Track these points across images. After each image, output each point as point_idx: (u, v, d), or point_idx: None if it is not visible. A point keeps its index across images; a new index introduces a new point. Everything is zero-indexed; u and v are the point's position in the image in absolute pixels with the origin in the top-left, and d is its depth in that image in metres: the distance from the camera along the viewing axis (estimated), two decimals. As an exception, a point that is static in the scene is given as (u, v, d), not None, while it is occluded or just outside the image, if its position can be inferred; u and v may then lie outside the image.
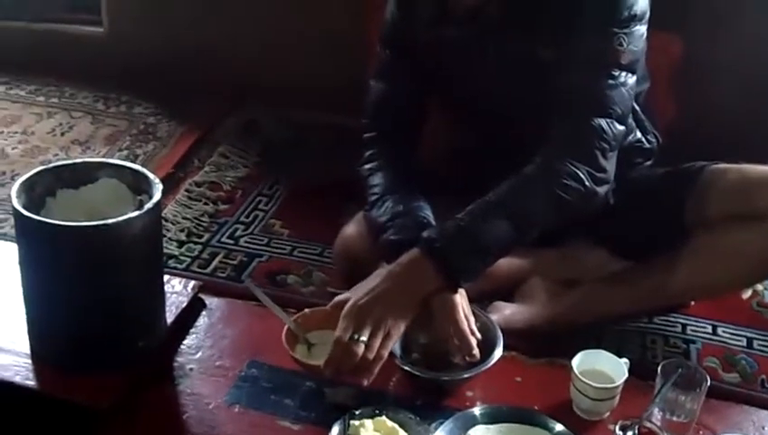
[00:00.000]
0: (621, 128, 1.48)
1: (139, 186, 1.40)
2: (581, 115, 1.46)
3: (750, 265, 1.58)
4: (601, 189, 1.46)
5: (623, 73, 1.46)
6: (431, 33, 1.56)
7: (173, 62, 2.64)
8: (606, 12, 1.44)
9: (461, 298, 1.39)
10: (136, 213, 1.30)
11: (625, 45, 1.45)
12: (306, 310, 1.45)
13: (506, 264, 1.73)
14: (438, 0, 1.54)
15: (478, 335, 1.40)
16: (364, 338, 1.30)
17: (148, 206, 1.32)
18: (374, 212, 1.49)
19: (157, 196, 1.34)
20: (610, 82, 1.45)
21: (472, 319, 1.41)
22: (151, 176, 1.39)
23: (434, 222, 1.46)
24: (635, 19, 1.45)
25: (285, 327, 1.40)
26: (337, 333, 1.31)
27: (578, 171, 1.42)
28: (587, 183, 1.43)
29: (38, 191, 1.37)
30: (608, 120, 1.45)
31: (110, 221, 1.28)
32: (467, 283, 1.40)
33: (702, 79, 2.15)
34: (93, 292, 1.33)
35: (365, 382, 1.31)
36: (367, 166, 1.59)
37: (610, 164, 1.47)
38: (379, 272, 1.39)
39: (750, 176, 1.58)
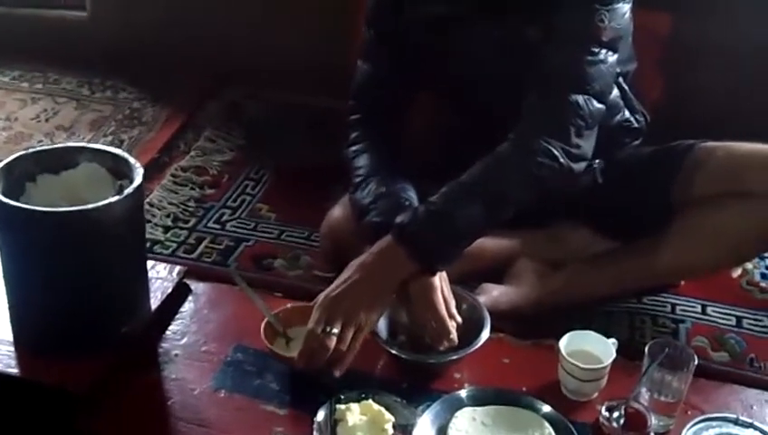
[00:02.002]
0: (599, 105, 1.46)
1: (120, 170, 1.38)
2: (558, 91, 1.44)
3: (737, 244, 1.58)
4: (577, 166, 1.44)
5: (603, 51, 1.45)
6: (417, 11, 1.54)
7: (157, 46, 2.62)
8: None
9: (440, 281, 1.38)
10: (116, 198, 1.29)
11: (606, 22, 1.43)
12: (288, 305, 1.45)
13: (494, 245, 1.73)
14: None
15: (458, 319, 1.39)
16: (336, 330, 1.29)
17: (129, 190, 1.30)
18: (357, 194, 1.48)
19: (137, 180, 1.32)
20: (590, 58, 1.44)
21: (452, 302, 1.39)
22: (132, 160, 1.37)
23: (416, 204, 1.44)
24: None
25: (264, 320, 1.39)
26: (309, 325, 1.31)
27: (551, 148, 1.40)
28: (561, 160, 1.41)
29: (17, 176, 1.35)
30: (585, 97, 1.43)
31: (89, 206, 1.26)
32: (443, 267, 1.38)
33: (690, 58, 2.14)
34: (74, 277, 1.32)
35: (337, 374, 1.30)
36: (352, 148, 1.57)
37: (586, 141, 1.45)
38: (353, 262, 1.38)
39: (737, 154, 1.57)
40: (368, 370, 1.39)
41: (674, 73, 2.10)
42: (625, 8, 1.47)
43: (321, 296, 1.34)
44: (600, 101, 1.46)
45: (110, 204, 1.28)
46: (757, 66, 2.17)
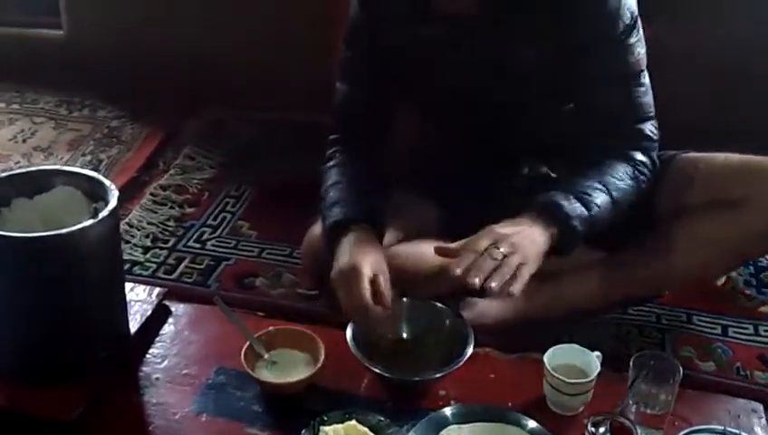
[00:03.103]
0: (656, 126, 1.53)
1: (96, 193, 1.36)
2: (627, 126, 1.51)
3: (722, 254, 1.58)
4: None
5: (644, 76, 1.50)
6: (407, 32, 1.53)
7: (136, 64, 2.60)
8: (614, 24, 1.44)
9: (370, 269, 1.36)
10: (90, 221, 1.27)
11: (640, 51, 1.48)
12: (271, 327, 1.43)
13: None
14: None
15: (391, 309, 1.38)
16: (503, 250, 1.28)
17: (104, 213, 1.28)
18: (321, 205, 1.50)
19: (112, 202, 1.30)
20: (642, 89, 1.51)
21: (388, 294, 1.37)
22: (107, 182, 1.35)
23: (379, 207, 1.47)
24: (637, 22, 1.47)
25: (246, 344, 1.37)
26: (473, 245, 1.29)
27: (645, 160, 1.50)
28: (649, 171, 1.51)
29: (-8, 201, 1.33)
30: (650, 124, 1.52)
31: (63, 231, 1.24)
32: (569, 241, 1.40)
33: (666, 68, 2.13)
34: (51, 303, 1.30)
35: (513, 292, 1.28)
36: (326, 165, 1.58)
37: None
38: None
39: (718, 165, 1.58)
40: (351, 390, 1.37)
41: (652, 83, 2.10)
42: (640, 28, 1.49)
43: (486, 229, 1.33)
44: (656, 121, 1.53)
45: (84, 228, 1.26)
46: (736, 73, 2.18)
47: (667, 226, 1.59)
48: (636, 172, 1.49)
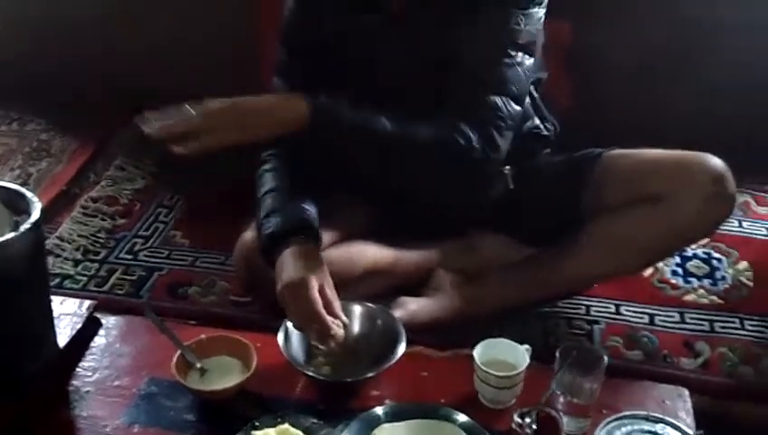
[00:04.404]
0: (517, 108, 1.48)
1: (17, 206, 1.34)
2: (477, 91, 1.46)
3: (647, 249, 1.62)
4: (494, 155, 1.46)
5: (520, 54, 1.47)
6: (344, 26, 1.54)
7: (65, 76, 2.56)
8: None
9: (315, 281, 1.36)
10: (11, 235, 1.24)
11: (522, 25, 1.46)
12: (202, 336, 1.42)
13: (410, 258, 1.73)
14: None
15: (344, 319, 1.37)
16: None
17: (25, 226, 1.26)
18: (256, 212, 1.49)
19: (35, 215, 1.28)
20: (507, 60, 1.46)
21: (336, 303, 1.38)
22: (29, 195, 1.33)
23: (315, 215, 1.46)
24: (534, 2, 1.47)
25: (177, 353, 1.37)
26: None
27: (469, 132, 1.43)
28: (475, 144, 1.43)
29: None
30: (503, 98, 1.46)
31: (-19, 245, 1.22)
32: (320, 128, 1.39)
33: (592, 67, 2.19)
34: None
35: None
36: (262, 168, 1.57)
37: (503, 140, 1.47)
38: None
39: (642, 161, 1.61)
40: (285, 394, 1.37)
41: (578, 82, 2.14)
42: (540, 13, 1.50)
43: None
44: (517, 103, 1.48)
45: (5, 242, 1.23)
46: (656, 72, 2.23)
47: (594, 222, 1.62)
48: (451, 135, 1.42)
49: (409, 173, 1.47)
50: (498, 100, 1.45)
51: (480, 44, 1.46)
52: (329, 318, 1.35)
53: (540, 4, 1.49)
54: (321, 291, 1.37)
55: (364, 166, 1.47)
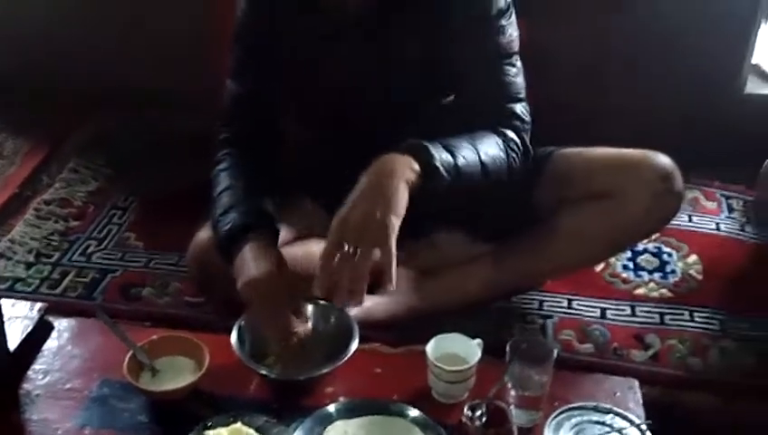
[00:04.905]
0: (528, 109, 1.55)
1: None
2: (498, 105, 1.52)
3: (597, 245, 1.65)
4: (528, 162, 1.54)
5: (515, 58, 1.53)
6: (294, 27, 1.54)
7: (16, 77, 2.52)
8: (488, 7, 1.48)
9: (279, 277, 1.37)
10: (-43, 237, 1.23)
11: (512, 33, 1.51)
12: (154, 336, 1.42)
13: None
14: None
15: (305, 314, 1.41)
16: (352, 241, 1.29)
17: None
18: (212, 211, 1.48)
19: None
20: (513, 69, 1.53)
21: (299, 300, 1.40)
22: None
23: (272, 211, 1.46)
24: (510, 7, 1.51)
25: (129, 354, 1.36)
26: (325, 258, 1.30)
27: (515, 138, 1.51)
28: (520, 150, 1.51)
29: None
30: (521, 105, 1.53)
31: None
32: (433, 184, 1.36)
33: (545, 65, 2.21)
34: None
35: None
36: (217, 168, 1.57)
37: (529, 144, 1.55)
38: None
39: (592, 159, 1.64)
40: (239, 394, 1.37)
41: (531, 80, 2.16)
42: (513, 13, 1.53)
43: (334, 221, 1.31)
44: (527, 105, 1.55)
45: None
46: (609, 70, 2.26)
47: (546, 219, 1.64)
48: (506, 146, 1.49)
49: (480, 189, 1.50)
50: (517, 107, 1.52)
51: (483, 62, 1.51)
52: (291, 315, 1.36)
53: (508, 10, 1.52)
54: (283, 287, 1.37)
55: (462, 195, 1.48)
